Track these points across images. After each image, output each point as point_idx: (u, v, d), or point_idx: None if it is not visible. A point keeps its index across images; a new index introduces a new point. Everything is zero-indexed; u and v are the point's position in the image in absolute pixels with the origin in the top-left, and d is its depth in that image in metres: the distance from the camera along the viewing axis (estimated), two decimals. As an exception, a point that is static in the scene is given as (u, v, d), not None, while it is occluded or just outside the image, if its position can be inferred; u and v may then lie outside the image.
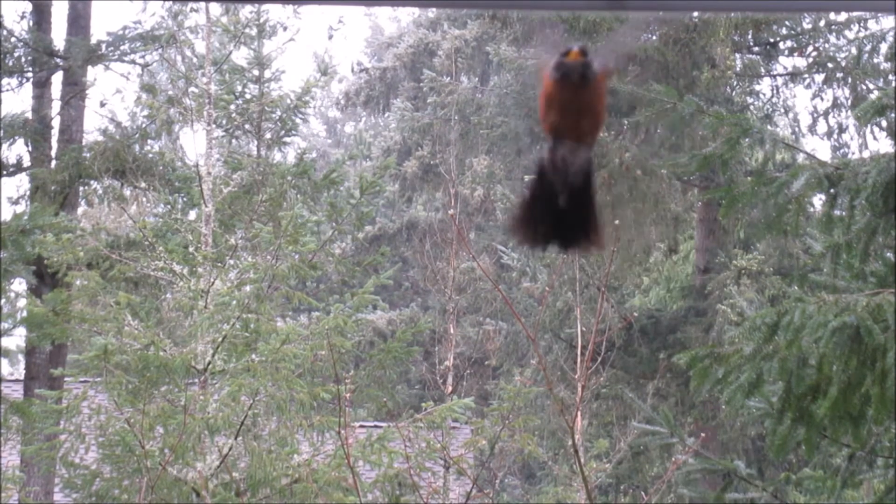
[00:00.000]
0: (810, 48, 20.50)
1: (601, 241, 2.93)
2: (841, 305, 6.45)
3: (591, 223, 2.86)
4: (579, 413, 14.79)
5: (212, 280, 11.22)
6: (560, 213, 2.83)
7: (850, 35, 20.01)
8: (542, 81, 2.80)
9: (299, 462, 10.81)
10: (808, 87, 20.75)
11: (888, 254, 6.91)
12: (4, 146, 15.76)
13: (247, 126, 14.01)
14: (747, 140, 7.19)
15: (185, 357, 10.85)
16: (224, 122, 13.81)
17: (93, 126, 26.22)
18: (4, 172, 15.85)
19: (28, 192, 16.08)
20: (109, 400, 10.79)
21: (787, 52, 20.74)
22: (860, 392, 6.54)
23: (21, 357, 21.19)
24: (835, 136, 21.08)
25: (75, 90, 16.28)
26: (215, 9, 12.93)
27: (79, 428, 10.91)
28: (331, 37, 50.63)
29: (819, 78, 20.46)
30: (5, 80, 16.04)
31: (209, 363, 10.99)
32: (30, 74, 16.23)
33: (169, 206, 12.37)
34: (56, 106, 16.38)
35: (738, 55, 20.33)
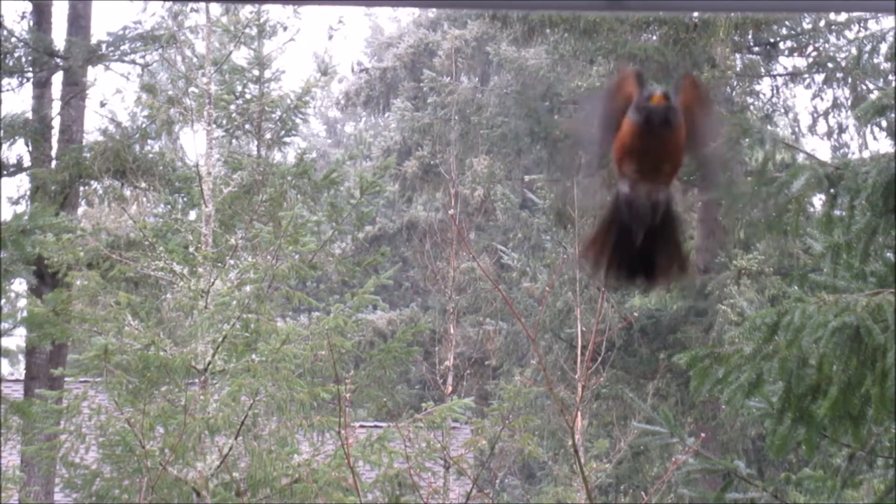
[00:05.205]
0: (810, 48, 20.50)
1: (688, 269, 2.85)
2: (841, 305, 6.45)
3: (676, 255, 2.79)
4: (579, 413, 14.78)
5: (212, 280, 11.22)
6: (639, 249, 2.76)
7: (850, 35, 20.00)
8: (614, 119, 2.70)
9: (299, 462, 10.81)
10: (808, 87, 20.75)
11: (888, 254, 6.91)
12: (4, 146, 15.75)
13: (247, 126, 14.01)
14: (747, 140, 7.19)
15: (185, 357, 10.85)
16: (224, 122, 13.80)
17: (93, 126, 26.21)
18: (4, 172, 15.84)
19: (28, 192, 16.08)
20: (109, 400, 10.79)
21: (787, 52, 20.73)
22: (860, 392, 6.54)
23: (21, 357, 21.18)
24: (835, 136, 21.08)
25: (75, 90, 16.28)
26: (215, 9, 12.93)
27: (79, 428, 10.91)
28: (331, 37, 50.63)
29: (819, 78, 20.46)
30: (5, 80, 16.04)
31: (209, 363, 10.99)
32: (30, 74, 16.23)
33: (169, 206, 12.37)
34: (56, 106, 16.37)
35: (738, 55, 20.33)
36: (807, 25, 20.25)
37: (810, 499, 7.48)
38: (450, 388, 18.69)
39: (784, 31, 20.44)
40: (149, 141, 15.59)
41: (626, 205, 2.77)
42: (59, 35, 16.45)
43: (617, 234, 2.81)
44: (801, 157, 8.57)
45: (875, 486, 7.90)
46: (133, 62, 16.25)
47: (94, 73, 16.64)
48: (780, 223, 7.21)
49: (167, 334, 11.25)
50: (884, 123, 7.60)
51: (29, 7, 16.53)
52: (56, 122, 16.31)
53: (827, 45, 20.31)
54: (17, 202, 16.63)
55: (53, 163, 15.97)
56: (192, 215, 12.31)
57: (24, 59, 16.11)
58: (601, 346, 14.40)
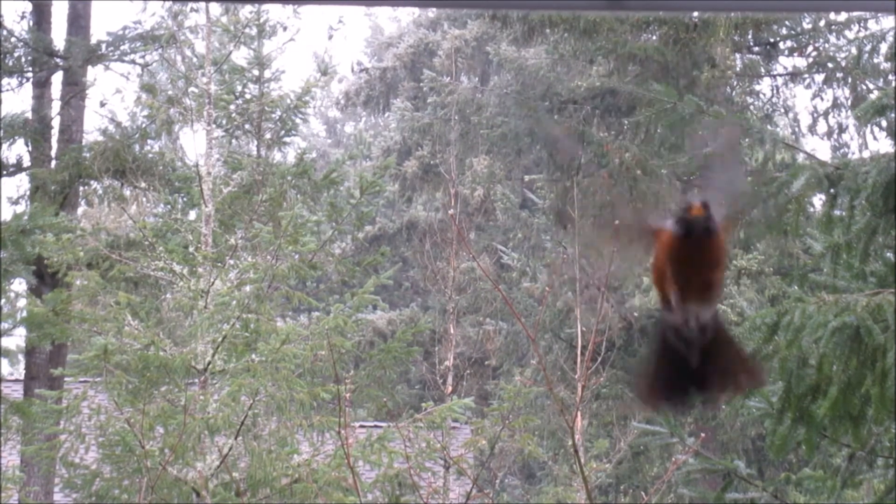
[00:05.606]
0: (810, 48, 20.50)
1: (759, 377, 2.84)
2: (841, 305, 6.45)
3: (739, 366, 2.79)
4: (579, 413, 14.78)
5: (212, 280, 11.22)
6: (696, 371, 2.76)
7: (850, 35, 20.01)
8: (652, 240, 2.70)
9: (299, 462, 10.81)
10: (808, 87, 20.76)
11: (888, 254, 6.91)
12: (4, 146, 15.75)
13: (247, 126, 14.01)
14: (747, 140, 7.19)
15: (185, 357, 10.85)
16: (224, 122, 13.81)
17: (93, 126, 26.22)
18: (4, 172, 15.84)
19: (28, 192, 16.07)
20: (109, 400, 10.79)
21: (787, 52, 20.74)
22: (860, 392, 6.54)
23: (21, 357, 21.19)
24: (835, 136, 21.09)
25: (75, 90, 16.27)
26: (215, 9, 12.93)
27: (79, 428, 10.90)
28: (331, 37, 50.64)
29: (819, 78, 20.47)
30: (5, 80, 16.03)
31: (209, 363, 10.99)
32: (30, 74, 16.23)
33: (169, 206, 12.37)
34: (56, 106, 16.37)
35: (738, 55, 20.33)
36: (807, 25, 20.25)
37: (810, 499, 7.47)
38: (450, 388, 18.69)
39: (784, 31, 20.44)
40: (149, 141, 15.59)
41: (672, 333, 2.75)
42: (58, 35, 16.46)
43: (668, 365, 2.79)
44: (801, 157, 8.57)
45: (875, 486, 7.90)
46: (133, 62, 16.26)
47: (93, 73, 16.65)
48: (780, 223, 7.21)
49: (167, 334, 11.25)
50: (884, 123, 7.60)
51: (29, 7, 16.54)
52: (56, 122, 16.31)
53: (827, 45, 20.32)
54: (16, 202, 16.64)
55: (53, 163, 15.97)
56: (192, 215, 12.31)
57: (23, 59, 16.11)
58: (601, 346, 14.39)
